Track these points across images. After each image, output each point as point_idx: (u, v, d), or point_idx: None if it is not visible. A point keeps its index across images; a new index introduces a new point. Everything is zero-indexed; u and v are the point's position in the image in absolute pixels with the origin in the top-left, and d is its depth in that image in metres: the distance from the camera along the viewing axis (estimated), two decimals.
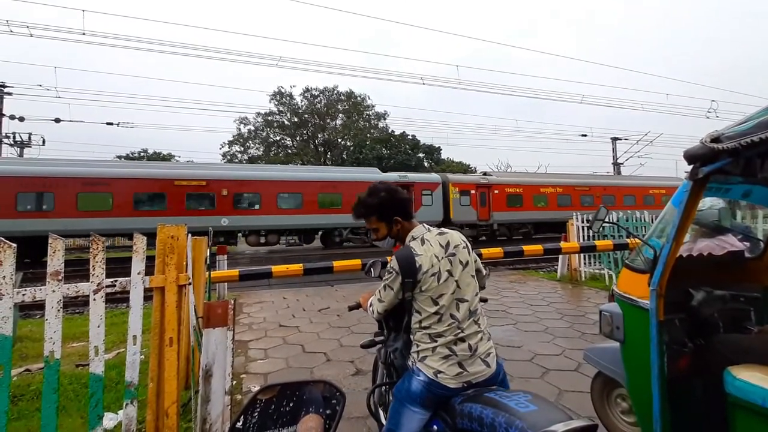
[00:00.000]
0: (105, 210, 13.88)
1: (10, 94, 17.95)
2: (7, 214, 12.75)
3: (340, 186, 17.26)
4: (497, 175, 21.92)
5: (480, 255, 1.54)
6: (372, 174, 18.94)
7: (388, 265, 1.53)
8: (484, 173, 22.32)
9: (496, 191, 20.10)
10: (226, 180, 15.77)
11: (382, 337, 1.95)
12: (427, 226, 1.60)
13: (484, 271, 1.69)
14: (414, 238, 1.56)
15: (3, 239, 1.69)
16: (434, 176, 20.17)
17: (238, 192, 15.92)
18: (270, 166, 23.77)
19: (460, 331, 1.44)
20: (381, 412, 1.93)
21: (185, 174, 15.60)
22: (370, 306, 1.66)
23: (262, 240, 16.53)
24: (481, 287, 1.64)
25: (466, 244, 1.60)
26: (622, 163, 30.61)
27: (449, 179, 19.73)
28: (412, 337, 1.53)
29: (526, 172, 31.69)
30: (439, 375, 1.40)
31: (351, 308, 2.10)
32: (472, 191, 19.62)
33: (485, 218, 19.71)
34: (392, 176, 19.01)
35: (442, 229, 1.63)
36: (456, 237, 1.58)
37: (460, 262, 1.53)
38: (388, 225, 1.61)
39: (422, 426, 1.44)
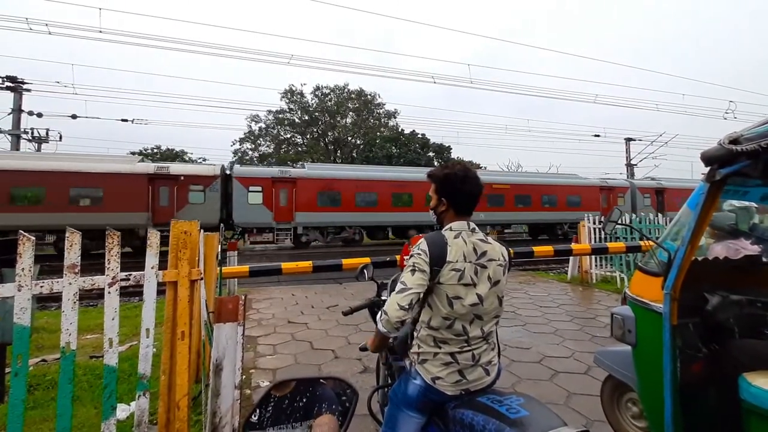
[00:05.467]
0: None
1: (28, 90, 18.32)
2: None
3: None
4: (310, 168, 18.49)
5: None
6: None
7: (416, 248, 1.40)
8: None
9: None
10: None
11: None
12: (473, 226, 1.48)
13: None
14: (451, 230, 1.45)
15: (23, 232, 1.74)
16: (208, 168, 16.69)
17: None
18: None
19: (466, 344, 1.38)
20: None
21: None
22: (384, 314, 1.33)
23: None
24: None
25: (505, 263, 1.46)
26: (636, 164, 30.13)
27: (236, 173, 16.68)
28: (415, 333, 1.45)
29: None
30: (437, 381, 1.36)
31: (345, 313, 2.00)
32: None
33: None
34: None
35: (489, 237, 1.49)
36: (496, 250, 1.45)
37: (489, 278, 1.40)
38: (438, 200, 1.53)
39: (419, 430, 1.41)
